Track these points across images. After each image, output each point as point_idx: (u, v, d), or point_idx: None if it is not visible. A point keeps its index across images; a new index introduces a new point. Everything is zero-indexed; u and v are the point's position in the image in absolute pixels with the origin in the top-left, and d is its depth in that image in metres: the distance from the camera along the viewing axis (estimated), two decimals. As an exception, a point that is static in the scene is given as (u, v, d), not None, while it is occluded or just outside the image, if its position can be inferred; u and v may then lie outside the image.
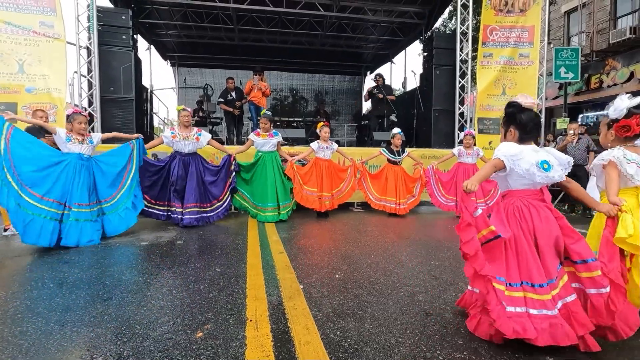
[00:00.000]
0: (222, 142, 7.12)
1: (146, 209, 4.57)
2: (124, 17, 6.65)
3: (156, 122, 11.07)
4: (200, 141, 4.83)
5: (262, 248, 3.61)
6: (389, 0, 8.56)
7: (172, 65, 12.64)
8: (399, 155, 5.86)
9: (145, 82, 8.91)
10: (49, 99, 5.39)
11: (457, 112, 7.53)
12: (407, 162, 6.12)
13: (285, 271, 2.89)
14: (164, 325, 1.98)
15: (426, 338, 1.88)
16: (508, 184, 1.93)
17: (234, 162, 5.00)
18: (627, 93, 2.06)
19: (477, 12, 8.61)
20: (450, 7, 10.70)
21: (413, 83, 9.32)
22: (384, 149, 6.01)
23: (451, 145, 7.23)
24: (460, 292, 2.49)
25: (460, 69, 7.50)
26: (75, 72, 6.02)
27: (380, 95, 8.02)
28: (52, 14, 5.42)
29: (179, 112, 4.87)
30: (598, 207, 1.88)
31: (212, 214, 4.89)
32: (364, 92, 10.13)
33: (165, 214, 4.72)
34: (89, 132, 4.19)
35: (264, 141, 5.16)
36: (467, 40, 7.48)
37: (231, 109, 8.33)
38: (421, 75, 8.75)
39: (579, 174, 5.66)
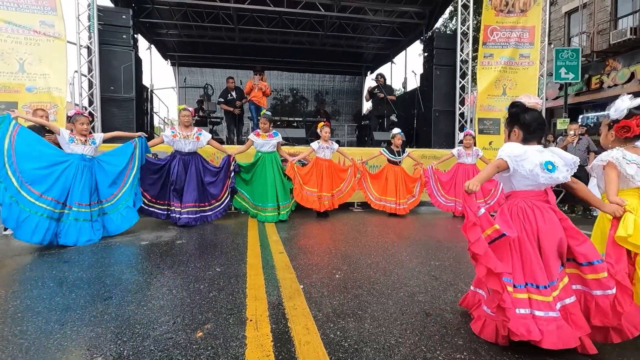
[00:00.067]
0: (222, 142, 7.12)
1: (146, 207, 4.58)
2: (124, 17, 6.64)
3: (156, 122, 11.07)
4: (200, 140, 4.85)
5: (262, 248, 3.61)
6: (390, 0, 8.55)
7: (173, 64, 12.64)
8: (399, 155, 5.86)
9: (146, 81, 8.91)
10: (50, 98, 5.39)
11: (458, 112, 7.53)
12: (407, 162, 6.12)
13: (285, 271, 2.89)
14: (164, 324, 1.98)
15: (426, 338, 1.88)
16: (512, 185, 1.91)
17: (233, 163, 5.01)
18: (628, 94, 2.06)
19: (477, 12, 8.60)
20: (450, 7, 10.72)
21: (413, 83, 9.32)
22: (384, 149, 6.02)
23: (451, 145, 7.22)
24: (460, 292, 2.49)
25: (461, 69, 7.50)
26: (76, 71, 6.01)
27: (382, 95, 8.02)
28: (52, 13, 5.42)
29: (180, 111, 4.88)
30: (604, 208, 1.86)
31: (210, 213, 4.91)
32: (365, 92, 10.12)
33: (165, 213, 4.72)
34: (91, 133, 4.21)
35: (263, 142, 5.16)
36: (467, 41, 7.48)
37: (231, 109, 8.33)
38: (421, 75, 8.75)
39: (579, 174, 5.64)
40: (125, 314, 2.10)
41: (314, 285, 2.59)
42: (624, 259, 1.71)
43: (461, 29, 7.41)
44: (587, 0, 13.21)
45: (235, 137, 8.53)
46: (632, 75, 11.60)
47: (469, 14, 7.35)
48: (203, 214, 4.83)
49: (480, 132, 7.13)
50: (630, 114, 1.96)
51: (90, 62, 6.10)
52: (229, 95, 8.47)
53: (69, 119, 4.17)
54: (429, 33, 9.10)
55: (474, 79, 7.65)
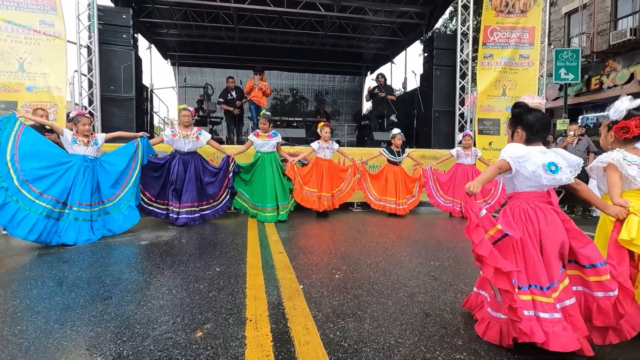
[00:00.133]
0: (222, 142, 7.12)
1: (146, 206, 4.60)
2: (124, 16, 6.64)
3: (156, 121, 11.06)
4: (200, 140, 4.86)
5: (262, 248, 3.61)
6: (390, 1, 8.56)
7: (173, 64, 12.63)
8: (399, 155, 5.87)
9: (146, 81, 8.90)
10: (49, 97, 5.39)
11: (457, 112, 7.53)
12: (407, 162, 6.13)
13: (285, 271, 2.89)
14: (163, 324, 1.98)
15: (426, 339, 1.88)
16: (514, 186, 1.90)
17: (232, 164, 5.01)
18: (627, 95, 2.06)
19: (477, 12, 8.61)
20: (450, 8, 10.71)
21: (413, 83, 9.32)
22: (384, 149, 6.02)
23: (451, 145, 7.23)
24: (460, 292, 2.49)
25: (461, 69, 7.51)
26: (76, 70, 6.01)
27: (382, 94, 8.03)
28: (52, 12, 5.41)
29: (180, 111, 4.90)
30: (607, 210, 1.84)
31: (208, 211, 4.93)
32: (365, 93, 10.12)
33: (165, 212, 4.73)
34: (93, 133, 4.24)
35: (263, 142, 5.16)
36: (467, 41, 7.48)
37: (231, 109, 8.33)
38: (421, 75, 8.75)
39: (579, 175, 5.67)
40: (125, 314, 2.10)
41: (313, 286, 2.59)
42: (626, 260, 1.70)
43: (461, 29, 7.42)
44: (587, 1, 13.23)
45: (235, 137, 8.53)
46: (632, 76, 11.61)
47: (469, 14, 7.36)
48: (202, 212, 4.85)
49: (480, 132, 7.13)
50: (630, 114, 1.95)
51: (90, 61, 6.09)
52: (229, 95, 8.47)
53: (71, 119, 4.18)
54: (429, 33, 9.11)
55: (473, 80, 7.66)
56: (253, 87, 8.06)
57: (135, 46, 7.11)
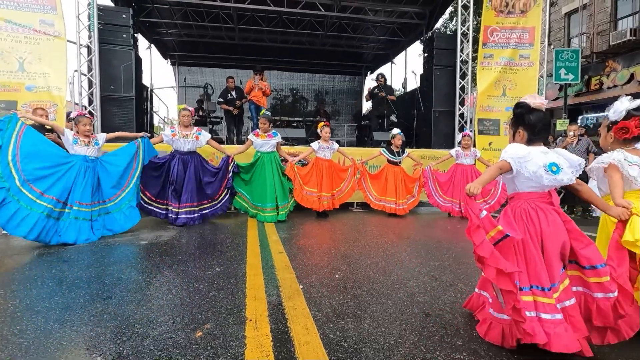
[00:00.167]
0: (221, 142, 7.12)
1: (145, 205, 4.61)
2: (124, 16, 6.64)
3: (156, 121, 11.06)
4: (199, 140, 4.87)
5: (261, 248, 3.61)
6: (390, 1, 8.56)
7: (173, 64, 12.63)
8: (399, 155, 5.87)
9: (146, 80, 8.90)
10: (49, 97, 5.39)
11: (457, 112, 7.53)
12: (407, 162, 6.13)
13: (284, 271, 2.89)
14: (163, 324, 1.98)
15: (425, 339, 1.88)
16: (515, 187, 1.89)
17: (232, 164, 5.02)
18: (627, 95, 2.05)
19: (477, 12, 8.61)
20: (451, 8, 10.72)
21: (413, 83, 9.33)
22: (384, 149, 6.02)
23: (451, 146, 7.23)
24: (459, 292, 2.50)
25: (461, 69, 7.51)
26: (76, 70, 6.01)
27: (382, 93, 8.03)
28: (52, 12, 5.41)
29: (180, 111, 4.90)
30: (609, 211, 1.83)
31: (208, 210, 4.95)
32: (365, 93, 10.13)
33: (164, 212, 4.73)
34: (94, 134, 4.27)
35: (263, 142, 5.16)
36: (467, 41, 7.48)
37: (231, 108, 8.33)
38: (421, 75, 8.75)
39: (579, 175, 5.67)
40: (124, 314, 2.10)
41: (313, 285, 2.59)
42: (626, 262, 1.69)
43: (461, 29, 7.42)
44: (587, 1, 13.23)
45: (235, 137, 8.53)
46: (632, 77, 11.62)
47: (469, 14, 7.36)
48: (200, 212, 4.87)
49: (480, 132, 7.14)
50: (629, 115, 1.95)
51: (90, 61, 6.09)
52: (229, 95, 8.47)
53: (73, 119, 4.20)
54: (429, 33, 9.11)
55: (473, 80, 7.66)
56: (253, 87, 8.06)
57: (135, 46, 7.11)
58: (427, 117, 8.04)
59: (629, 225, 1.70)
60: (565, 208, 6.60)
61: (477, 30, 7.87)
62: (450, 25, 17.81)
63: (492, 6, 7.00)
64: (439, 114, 7.81)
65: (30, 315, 2.07)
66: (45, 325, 1.96)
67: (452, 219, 5.56)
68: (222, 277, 2.73)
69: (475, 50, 7.36)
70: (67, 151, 4.02)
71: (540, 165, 1.76)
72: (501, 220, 1.84)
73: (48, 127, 4.43)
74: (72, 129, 4.15)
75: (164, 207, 4.73)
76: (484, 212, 1.78)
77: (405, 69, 12.30)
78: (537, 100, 1.85)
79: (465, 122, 7.56)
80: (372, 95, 8.50)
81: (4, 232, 4.16)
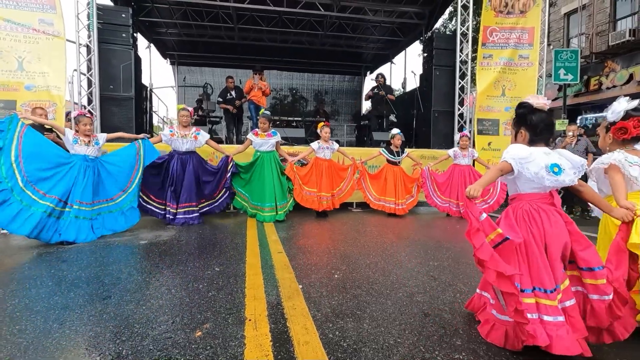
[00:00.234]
0: (221, 142, 7.12)
1: (144, 204, 4.62)
2: (124, 15, 6.63)
3: (155, 121, 11.05)
4: (198, 140, 4.88)
5: (261, 247, 3.61)
6: (390, 1, 8.56)
7: (172, 63, 12.62)
8: (398, 155, 5.87)
9: (145, 80, 8.89)
10: (49, 96, 5.38)
11: (457, 113, 7.54)
12: (406, 162, 6.14)
13: (284, 271, 2.89)
14: (163, 324, 1.98)
15: (425, 338, 1.88)
16: (517, 187, 1.88)
17: (231, 164, 5.01)
18: (625, 96, 2.05)
19: (477, 13, 8.61)
20: (450, 8, 10.71)
21: (413, 83, 9.33)
22: (383, 149, 6.03)
23: (450, 146, 7.23)
24: (459, 292, 2.50)
25: (460, 69, 7.51)
26: (75, 70, 5.99)
27: (382, 92, 8.04)
28: (51, 11, 5.40)
29: (179, 111, 4.91)
30: (612, 213, 1.81)
31: (206, 209, 4.98)
32: (364, 93, 10.13)
33: (162, 212, 4.73)
34: (94, 133, 4.29)
35: (262, 141, 5.16)
36: (467, 41, 7.48)
37: (230, 107, 8.32)
38: (421, 75, 8.75)
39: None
40: (124, 313, 2.10)
41: (313, 285, 2.59)
42: (624, 265, 1.69)
43: (461, 29, 7.42)
44: (586, 1, 13.25)
45: (235, 137, 8.52)
46: (631, 77, 11.64)
47: (468, 14, 7.36)
48: (200, 211, 4.88)
49: (480, 132, 7.14)
50: (627, 115, 1.94)
51: (89, 60, 6.08)
52: (229, 94, 8.47)
53: (74, 119, 4.21)
54: (429, 33, 9.11)
55: (473, 80, 7.67)
56: (253, 87, 8.06)
57: (134, 45, 7.10)
58: (427, 117, 8.04)
59: (634, 227, 1.67)
60: (565, 208, 6.62)
61: (476, 30, 7.88)
62: (450, 26, 17.81)
63: (492, 6, 7.00)
64: (439, 114, 7.82)
65: (30, 315, 2.07)
66: (44, 325, 1.95)
67: (451, 219, 5.57)
68: (222, 277, 2.73)
69: (474, 51, 7.36)
70: (67, 151, 4.03)
71: (541, 166, 1.75)
72: (502, 222, 1.83)
73: (47, 126, 4.43)
74: (71, 129, 4.15)
75: (163, 207, 4.74)
76: (484, 215, 1.77)
77: (404, 69, 12.37)
78: (540, 101, 1.84)
79: (465, 122, 7.56)
80: (372, 95, 8.49)
81: (3, 231, 4.17)
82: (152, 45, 10.80)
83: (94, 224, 3.93)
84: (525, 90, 6.98)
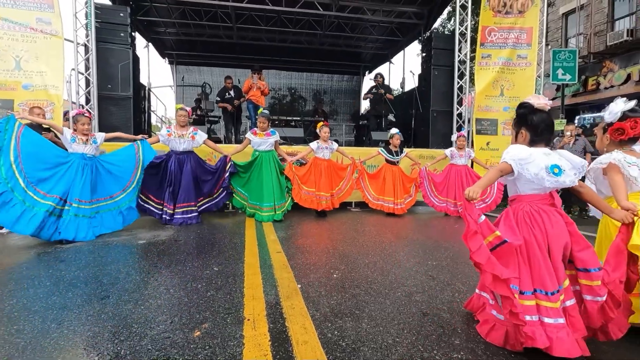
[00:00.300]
0: (219, 141, 7.11)
1: (142, 203, 4.62)
2: (122, 15, 6.62)
3: (154, 120, 11.03)
4: (195, 140, 4.87)
5: (259, 247, 3.61)
6: (388, 0, 8.56)
7: (170, 63, 12.58)
8: (397, 155, 5.88)
9: (143, 79, 8.89)
10: (46, 96, 5.36)
11: (455, 112, 7.55)
12: (405, 162, 6.14)
13: (282, 270, 2.89)
14: (161, 324, 1.98)
15: (423, 338, 1.88)
16: (517, 189, 1.87)
17: (229, 163, 5.01)
18: (622, 97, 2.05)
19: (475, 13, 8.62)
20: (449, 8, 10.71)
21: (411, 83, 9.33)
22: (382, 149, 6.03)
23: (449, 145, 7.24)
24: (457, 292, 2.50)
25: (459, 69, 7.52)
26: (73, 69, 5.98)
27: (382, 91, 8.05)
28: (49, 10, 5.38)
29: (177, 110, 4.90)
30: (612, 214, 1.79)
31: (205, 206, 5.00)
32: (363, 93, 10.14)
33: (160, 212, 4.73)
34: (93, 132, 4.29)
35: (261, 140, 5.16)
36: (465, 41, 7.50)
37: (228, 105, 8.30)
38: (420, 75, 8.76)
39: None
40: (122, 313, 2.10)
41: (311, 285, 2.59)
42: (622, 267, 1.67)
43: (459, 29, 7.43)
44: (584, 1, 13.29)
45: (233, 136, 8.52)
46: (629, 77, 11.69)
47: (467, 14, 7.37)
48: (199, 209, 4.90)
49: (478, 132, 7.15)
50: (624, 116, 1.94)
51: (87, 60, 6.06)
52: (227, 94, 8.46)
53: (72, 118, 4.22)
54: (427, 33, 9.12)
55: (471, 80, 7.67)
56: (251, 87, 8.05)
57: (132, 44, 7.09)
58: (425, 116, 8.05)
59: (636, 229, 1.66)
60: (562, 208, 6.63)
61: (475, 30, 7.90)
62: (449, 25, 17.83)
63: (490, 6, 7.01)
64: (437, 114, 7.83)
65: (27, 315, 2.06)
66: (42, 325, 1.95)
67: (449, 219, 5.58)
68: (220, 277, 2.73)
69: (473, 50, 7.38)
70: (65, 150, 4.03)
71: (542, 167, 1.74)
72: (502, 224, 1.83)
73: (45, 126, 4.42)
74: (69, 128, 4.15)
75: (160, 207, 4.73)
76: (483, 217, 1.77)
77: (403, 69, 12.37)
78: (541, 101, 1.83)
79: (463, 122, 7.58)
80: (373, 95, 8.49)
81: (2, 231, 4.16)
82: (150, 44, 10.76)
83: (92, 222, 3.94)
84: (524, 90, 6.99)
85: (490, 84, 7.11)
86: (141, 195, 4.58)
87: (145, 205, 4.65)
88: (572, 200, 6.19)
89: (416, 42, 11.02)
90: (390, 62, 12.06)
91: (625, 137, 1.96)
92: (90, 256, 3.27)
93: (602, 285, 1.67)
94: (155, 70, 32.99)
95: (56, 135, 4.39)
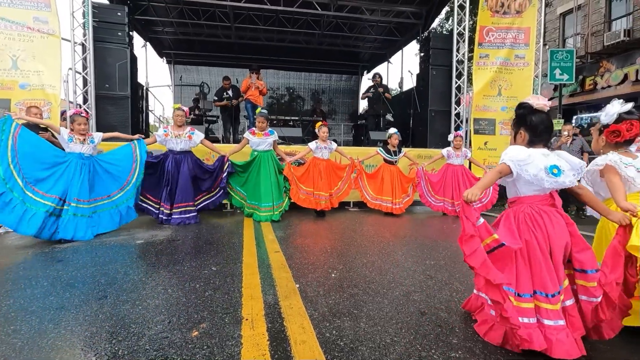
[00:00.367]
0: (217, 141, 7.10)
1: (140, 203, 4.63)
2: (119, 14, 6.60)
3: (152, 120, 11.01)
4: (193, 140, 4.86)
5: (258, 247, 3.61)
6: (387, 0, 8.57)
7: (168, 62, 12.56)
8: (395, 155, 5.89)
9: (141, 79, 8.87)
10: (43, 95, 5.33)
11: (453, 112, 7.57)
12: (403, 161, 6.15)
13: (281, 270, 2.89)
14: (159, 324, 1.97)
15: (421, 337, 1.89)
16: (517, 190, 1.86)
17: (227, 163, 5.00)
18: (619, 97, 2.05)
19: (473, 13, 8.65)
20: (447, 8, 10.75)
21: (410, 83, 9.36)
22: (380, 148, 6.04)
23: (447, 145, 7.26)
24: (455, 291, 2.51)
25: (457, 69, 7.53)
26: (70, 68, 5.95)
27: (381, 89, 8.07)
28: (46, 9, 5.35)
29: (174, 110, 4.89)
30: (610, 216, 1.78)
31: (203, 204, 5.02)
32: (361, 92, 10.14)
33: (157, 211, 4.73)
34: (90, 132, 4.30)
35: (259, 140, 5.15)
36: (463, 41, 7.51)
37: (227, 103, 8.29)
38: (418, 75, 8.78)
39: None
40: (120, 313, 2.09)
41: (309, 285, 2.59)
42: (619, 269, 1.67)
43: (457, 29, 7.44)
44: (581, 2, 13.34)
45: (232, 136, 8.51)
46: (626, 77, 11.74)
47: (465, 14, 7.39)
48: (198, 207, 4.91)
49: (476, 132, 7.17)
50: (620, 118, 1.93)
51: (84, 59, 6.04)
52: (225, 94, 8.45)
53: (69, 117, 4.21)
54: (426, 33, 9.13)
55: (469, 80, 7.69)
56: (250, 86, 8.04)
57: (130, 44, 7.07)
58: (424, 116, 8.07)
59: (635, 229, 1.65)
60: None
61: (473, 30, 7.92)
62: (447, 25, 17.86)
63: (488, 6, 7.03)
64: (435, 114, 7.85)
65: (25, 316, 2.05)
66: (39, 326, 1.94)
67: (447, 218, 5.59)
68: (218, 277, 2.72)
69: (471, 50, 7.40)
70: (63, 149, 4.02)
71: (541, 168, 1.73)
72: (501, 226, 1.83)
73: (43, 126, 4.41)
74: (67, 128, 4.14)
75: (157, 206, 4.73)
76: (481, 220, 1.76)
77: (401, 69, 12.32)
78: (540, 102, 1.82)
79: (461, 122, 7.59)
80: (370, 93, 8.50)
81: (0, 231, 4.15)
82: (148, 43, 10.74)
83: (91, 222, 3.94)
84: (521, 90, 7.01)
85: (488, 83, 7.12)
86: (140, 195, 4.59)
87: (143, 204, 4.66)
88: (570, 200, 6.21)
89: (414, 42, 11.03)
90: (389, 62, 12.09)
91: (621, 139, 1.96)
92: (88, 256, 3.26)
93: (598, 286, 1.66)
94: (153, 69, 32.98)
95: (53, 135, 4.38)
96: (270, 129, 5.33)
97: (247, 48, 11.51)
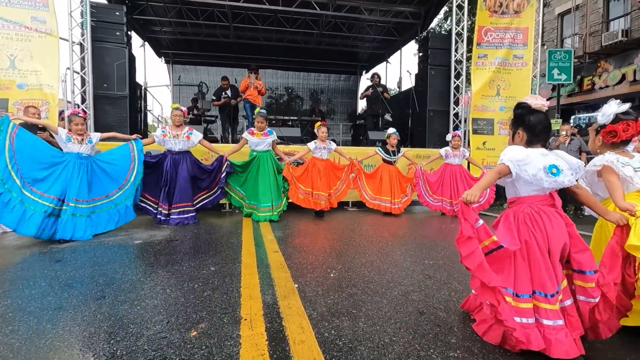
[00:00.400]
0: (216, 141, 7.09)
1: (139, 202, 4.62)
2: (118, 13, 6.58)
3: (150, 120, 10.99)
4: (191, 140, 4.86)
5: (256, 247, 3.61)
6: (385, 0, 8.57)
7: (167, 62, 12.53)
8: (394, 155, 5.89)
9: (139, 79, 8.83)
10: (41, 95, 5.32)
11: (452, 112, 7.58)
12: (401, 161, 6.16)
13: (279, 270, 2.89)
14: (157, 324, 1.97)
15: (420, 337, 1.89)
16: (516, 190, 1.86)
17: (226, 163, 4.99)
18: (616, 99, 2.05)
19: (472, 13, 8.66)
20: (445, 8, 10.76)
21: (408, 83, 9.36)
22: (379, 148, 6.04)
23: (446, 145, 7.27)
24: (454, 291, 2.51)
25: (455, 69, 7.54)
26: (68, 68, 5.93)
27: (380, 89, 8.07)
28: (44, 9, 5.34)
29: (172, 110, 4.89)
30: (607, 216, 1.79)
31: (201, 203, 5.02)
32: (360, 92, 10.15)
33: (155, 211, 4.73)
34: (88, 132, 4.28)
35: (258, 140, 5.14)
36: (462, 41, 7.52)
37: (226, 100, 8.28)
38: (416, 75, 8.79)
39: None
40: (118, 314, 2.09)
41: (308, 284, 2.59)
42: (617, 269, 1.67)
43: (456, 29, 7.45)
44: (579, 2, 13.37)
45: (230, 136, 8.50)
46: (623, 77, 11.78)
47: (463, 14, 7.39)
48: (196, 206, 4.91)
49: (474, 132, 7.18)
50: (617, 118, 1.94)
51: (82, 59, 6.02)
52: (223, 93, 8.44)
53: (67, 117, 4.21)
54: (424, 33, 9.14)
55: (468, 79, 7.70)
56: (248, 86, 8.03)
57: (128, 44, 7.05)
58: (422, 116, 8.07)
59: (633, 229, 1.65)
60: (558, 207, 6.67)
61: (471, 30, 7.91)
62: (445, 25, 17.90)
63: (487, 6, 7.04)
64: (434, 114, 7.86)
65: (23, 316, 2.05)
66: (37, 326, 1.94)
67: (446, 218, 5.60)
68: (217, 277, 2.72)
69: (469, 50, 7.40)
70: (60, 149, 4.01)
71: (539, 167, 1.73)
72: (500, 227, 1.82)
73: (40, 126, 4.40)
74: (64, 127, 4.13)
75: (156, 206, 4.73)
76: (480, 222, 1.75)
77: (400, 69, 12.39)
78: (539, 102, 1.82)
79: (460, 122, 7.60)
80: (372, 94, 8.50)
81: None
82: (146, 43, 10.71)
83: (89, 222, 3.94)
84: (520, 90, 7.03)
85: (487, 83, 7.14)
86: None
87: (141, 204, 4.66)
88: (568, 200, 6.23)
89: (413, 41, 11.04)
90: (387, 62, 12.08)
91: (617, 140, 1.96)
92: (86, 256, 3.25)
93: (596, 287, 1.67)
94: (152, 69, 32.95)
95: (51, 135, 4.37)
96: (269, 129, 5.33)
97: (245, 48, 11.49)
